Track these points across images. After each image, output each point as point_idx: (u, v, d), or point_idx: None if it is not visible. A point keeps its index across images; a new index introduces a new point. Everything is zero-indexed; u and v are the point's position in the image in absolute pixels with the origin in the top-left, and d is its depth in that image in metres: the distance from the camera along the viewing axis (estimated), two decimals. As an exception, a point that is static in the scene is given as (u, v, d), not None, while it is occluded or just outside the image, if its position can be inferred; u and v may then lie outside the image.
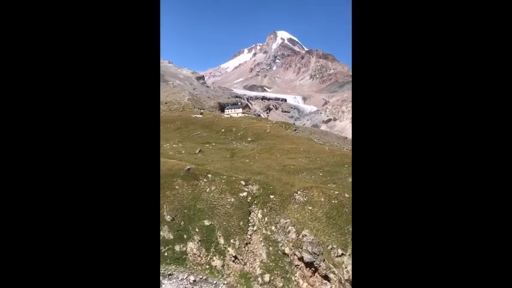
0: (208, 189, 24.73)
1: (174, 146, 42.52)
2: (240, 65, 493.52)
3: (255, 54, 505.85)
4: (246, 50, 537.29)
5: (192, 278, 19.53)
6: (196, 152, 38.29)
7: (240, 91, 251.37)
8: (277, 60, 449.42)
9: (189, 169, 26.99)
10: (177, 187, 25.50)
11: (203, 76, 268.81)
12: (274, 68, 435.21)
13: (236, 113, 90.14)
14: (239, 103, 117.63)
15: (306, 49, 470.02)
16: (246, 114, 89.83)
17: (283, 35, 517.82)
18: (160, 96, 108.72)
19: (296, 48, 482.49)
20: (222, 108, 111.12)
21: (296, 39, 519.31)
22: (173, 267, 20.25)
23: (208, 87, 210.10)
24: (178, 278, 19.54)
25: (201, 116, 67.63)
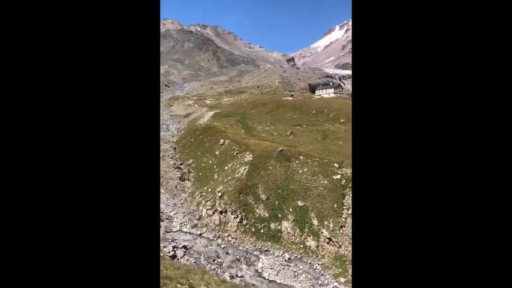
0: (300, 171, 24.89)
1: (266, 128, 43.73)
2: (331, 43, 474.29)
3: (347, 30, 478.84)
4: (337, 27, 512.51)
5: (287, 255, 20.16)
6: (288, 134, 38.67)
7: (331, 70, 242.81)
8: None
9: (281, 150, 27.51)
10: (270, 168, 26.32)
11: (293, 58, 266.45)
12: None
13: (327, 93, 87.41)
14: (330, 83, 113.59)
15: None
16: (338, 95, 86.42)
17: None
18: (252, 80, 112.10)
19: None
20: (312, 89, 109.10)
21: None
22: (269, 243, 21.21)
23: (298, 68, 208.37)
24: (274, 254, 20.40)
25: (291, 98, 67.72)
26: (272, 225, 22.14)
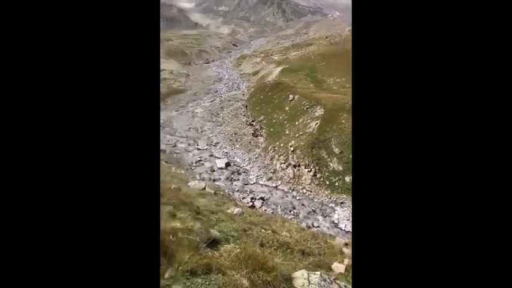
0: (377, 123, 23.66)
1: (337, 80, 41.76)
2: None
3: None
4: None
5: (363, 208, 20.02)
6: (362, 85, 36.46)
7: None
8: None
9: (355, 103, 26.27)
10: (343, 121, 25.52)
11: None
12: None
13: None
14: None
15: None
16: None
17: None
18: (320, 31, 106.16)
19: None
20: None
21: None
22: (344, 196, 21.18)
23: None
24: (350, 206, 20.40)
25: (364, 46, 62.44)
26: (347, 178, 21.90)
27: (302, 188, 22.77)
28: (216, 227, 6.64)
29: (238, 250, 4.88)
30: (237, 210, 9.26)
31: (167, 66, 64.54)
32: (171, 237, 4.42)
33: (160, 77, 55.69)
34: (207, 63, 76.51)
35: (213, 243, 5.05)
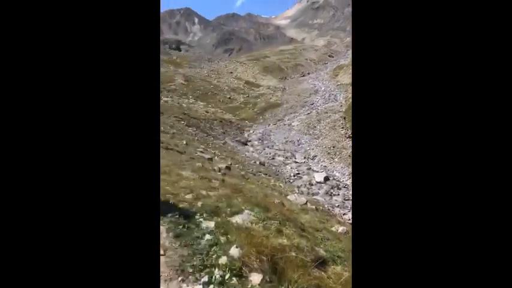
0: None
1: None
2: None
3: None
4: None
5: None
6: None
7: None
8: None
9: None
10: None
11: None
12: None
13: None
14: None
15: None
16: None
17: None
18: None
19: None
20: None
21: None
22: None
23: None
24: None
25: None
26: (468, 198, 19.04)
27: (411, 206, 20.65)
28: (321, 246, 6.43)
29: (348, 274, 4.58)
30: (341, 228, 8.84)
31: (264, 82, 67.47)
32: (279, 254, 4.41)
33: (258, 92, 58.37)
34: (303, 76, 77.16)
35: (321, 263, 4.88)
